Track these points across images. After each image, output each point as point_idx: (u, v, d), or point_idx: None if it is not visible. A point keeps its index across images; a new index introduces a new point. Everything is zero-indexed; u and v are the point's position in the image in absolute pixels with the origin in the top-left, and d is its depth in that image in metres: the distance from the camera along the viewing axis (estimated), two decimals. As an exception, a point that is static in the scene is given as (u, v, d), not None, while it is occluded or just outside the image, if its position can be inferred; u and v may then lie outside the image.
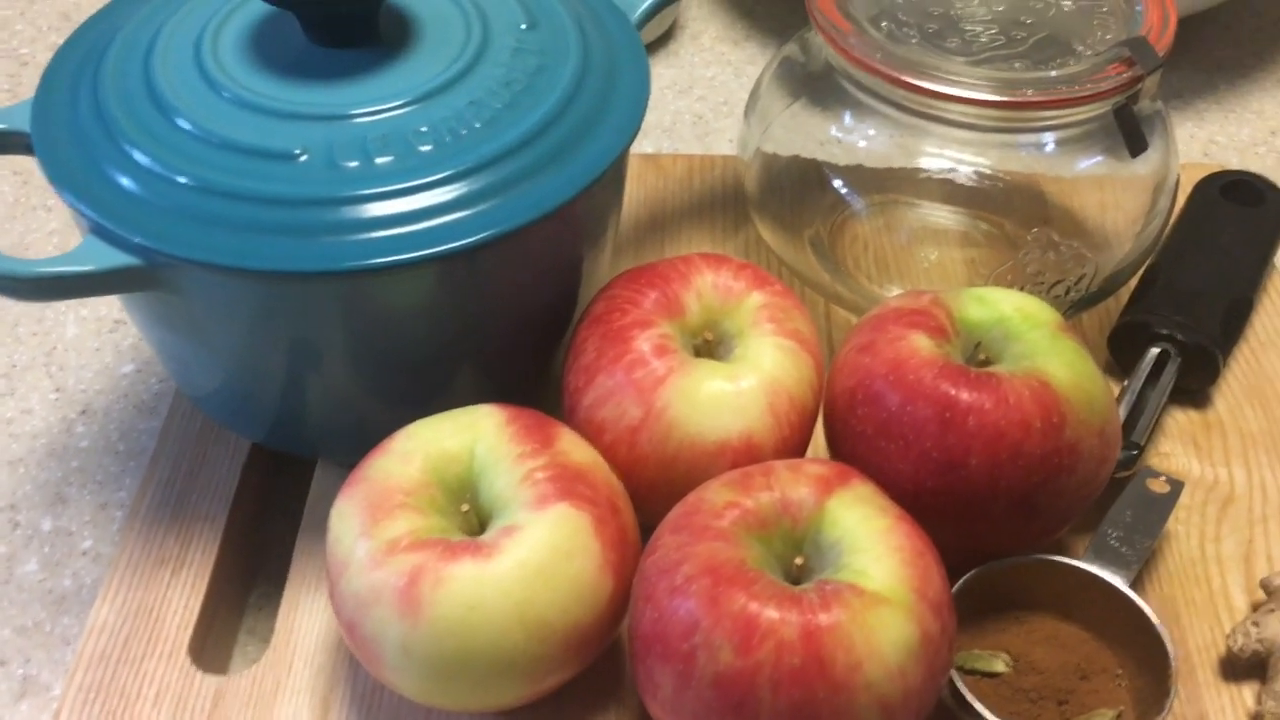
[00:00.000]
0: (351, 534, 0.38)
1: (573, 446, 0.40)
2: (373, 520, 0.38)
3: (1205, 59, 0.76)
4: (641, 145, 0.70)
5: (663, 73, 0.76)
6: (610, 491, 0.39)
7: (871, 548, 0.36)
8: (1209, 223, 0.55)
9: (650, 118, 0.72)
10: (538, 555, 0.36)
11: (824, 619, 0.34)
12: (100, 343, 0.58)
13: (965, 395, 0.40)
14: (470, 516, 0.39)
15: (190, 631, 0.44)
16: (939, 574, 0.37)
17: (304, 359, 0.43)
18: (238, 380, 0.45)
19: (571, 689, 0.41)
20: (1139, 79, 0.45)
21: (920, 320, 0.42)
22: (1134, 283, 0.54)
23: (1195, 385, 0.51)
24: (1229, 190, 0.57)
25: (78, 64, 0.45)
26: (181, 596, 0.45)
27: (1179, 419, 0.51)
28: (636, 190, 0.62)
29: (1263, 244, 0.55)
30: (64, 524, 0.51)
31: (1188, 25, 0.76)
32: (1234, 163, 0.68)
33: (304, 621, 0.44)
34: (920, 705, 0.35)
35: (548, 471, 0.38)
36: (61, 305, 0.60)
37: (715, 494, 0.38)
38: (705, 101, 0.73)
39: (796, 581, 0.37)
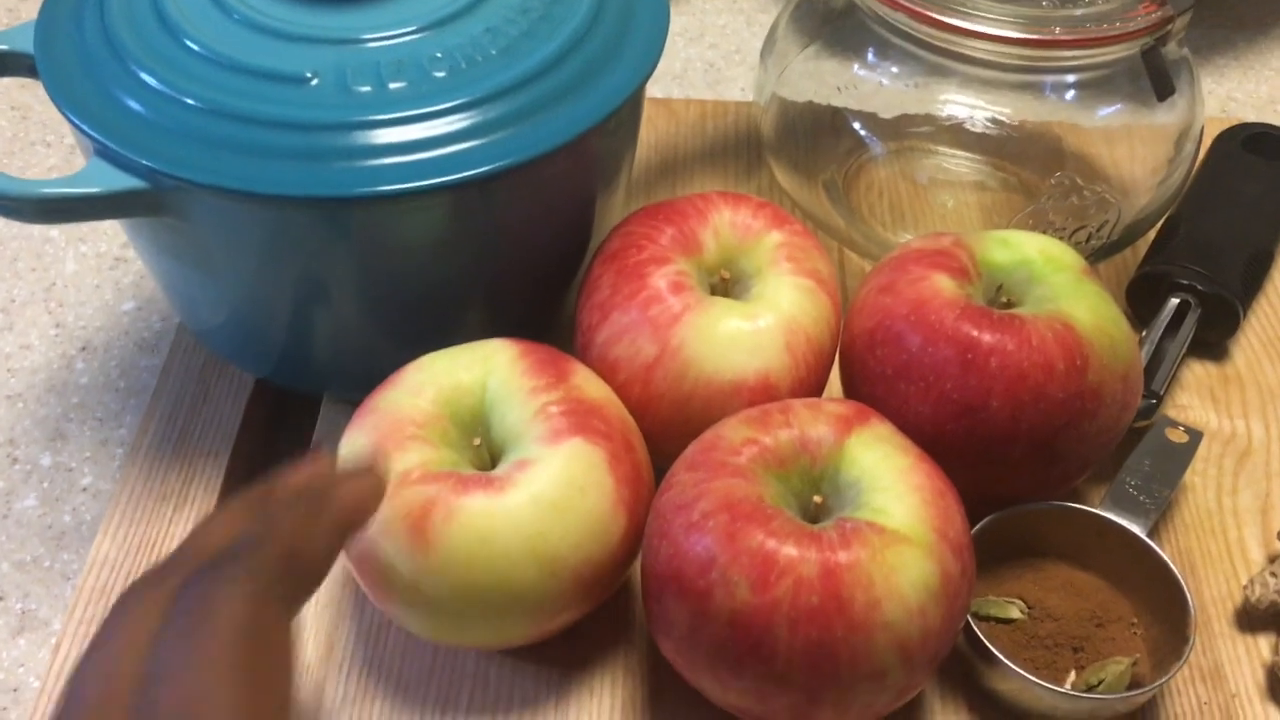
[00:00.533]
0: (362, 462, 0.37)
1: (586, 382, 0.39)
2: (382, 452, 0.37)
3: (1225, 15, 0.74)
4: (652, 91, 0.68)
5: (674, 20, 0.74)
6: (624, 428, 0.38)
7: (892, 486, 0.35)
8: (1230, 175, 0.54)
9: (661, 65, 0.70)
10: (551, 489, 0.36)
11: (843, 557, 0.33)
12: (100, 279, 0.57)
13: (987, 336, 0.39)
14: (482, 450, 0.38)
15: (193, 566, 0.43)
16: (960, 514, 0.36)
17: (311, 291, 0.42)
18: (244, 313, 0.44)
19: (581, 629, 0.41)
20: (1169, 19, 0.44)
21: (942, 261, 0.41)
22: (1152, 235, 0.53)
23: (1214, 337, 0.51)
24: (1251, 143, 0.56)
25: (81, -13, 0.44)
26: (182, 531, 0.44)
27: (1197, 371, 0.51)
28: (648, 134, 0.61)
29: (1284, 197, 0.54)
30: (64, 460, 0.50)
31: (1207, -19, 0.75)
32: (1252, 118, 0.67)
33: (309, 558, 0.43)
34: (939, 646, 0.35)
35: (562, 406, 0.37)
36: (61, 241, 0.59)
37: (733, 431, 0.37)
38: (717, 49, 0.72)
39: (815, 520, 0.36)
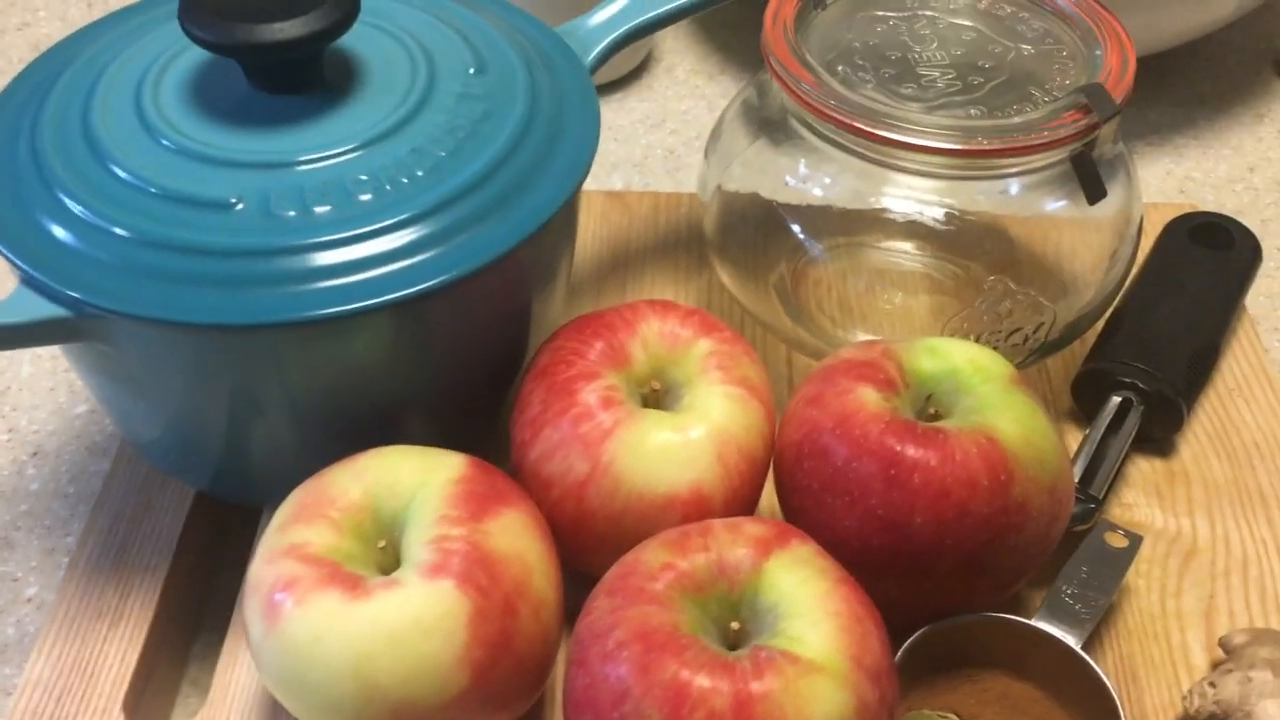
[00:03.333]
0: (276, 522, 0.39)
1: (503, 531, 0.38)
2: (293, 519, 0.38)
3: (1185, 94, 0.75)
4: (611, 179, 0.69)
5: (635, 106, 0.75)
6: (515, 590, 0.37)
7: (808, 613, 0.35)
8: (1177, 266, 0.54)
9: (621, 151, 0.71)
10: (396, 619, 0.35)
11: (756, 688, 0.33)
12: (55, 382, 0.58)
13: (911, 451, 0.39)
14: (386, 554, 0.38)
15: (126, 687, 0.43)
16: (879, 640, 0.36)
17: (242, 409, 0.43)
18: (178, 430, 0.44)
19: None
20: (1095, 126, 0.44)
21: (869, 372, 0.41)
22: (1101, 327, 0.53)
23: (1160, 434, 0.51)
24: (1198, 233, 0.56)
25: (20, 105, 0.44)
26: (118, 650, 0.44)
27: (1143, 468, 0.50)
28: (600, 228, 0.61)
29: (1231, 288, 0.54)
30: (9, 569, 0.50)
31: (1167, 60, 0.76)
32: (1210, 199, 0.67)
33: (243, 676, 0.43)
34: (857, 775, 0.34)
35: (456, 544, 0.37)
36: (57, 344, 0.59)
37: (651, 555, 0.37)
38: (677, 135, 0.73)
39: (734, 646, 0.36)
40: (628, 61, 0.76)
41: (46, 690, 0.43)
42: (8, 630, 0.48)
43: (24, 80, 0.46)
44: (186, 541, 0.48)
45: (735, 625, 0.36)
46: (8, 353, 0.59)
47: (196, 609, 0.49)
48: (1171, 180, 0.69)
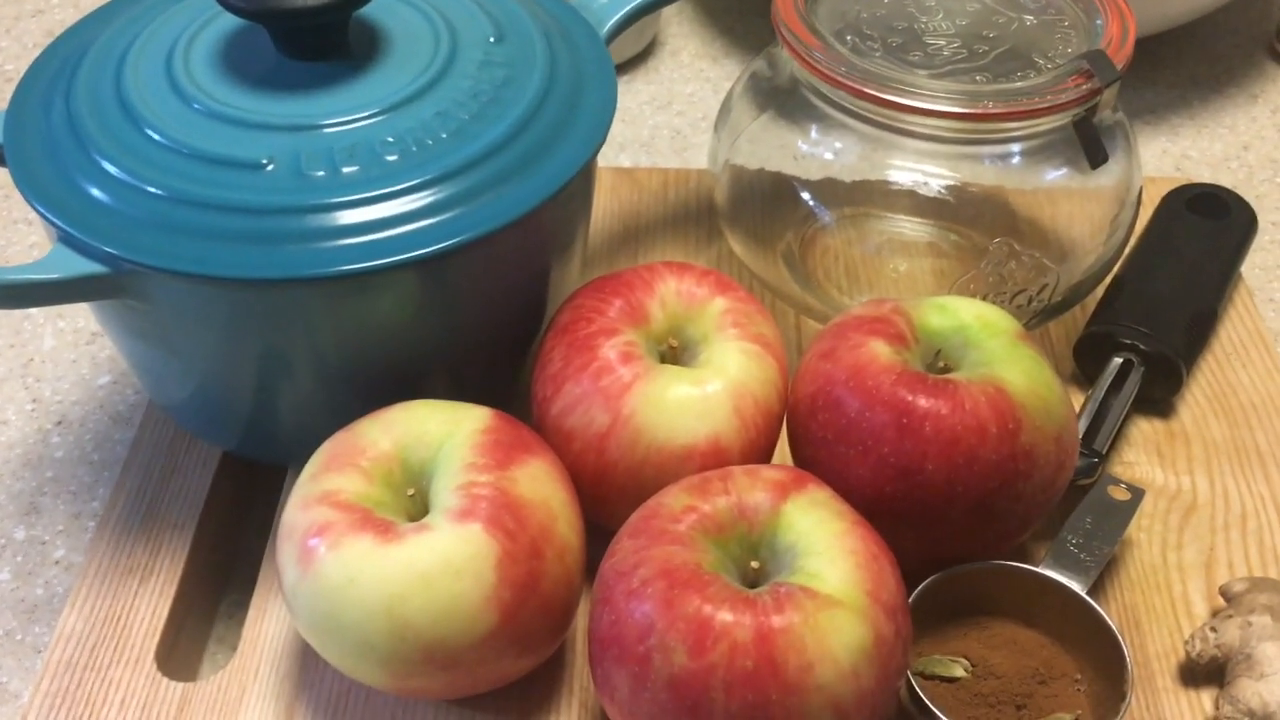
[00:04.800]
0: (308, 472, 0.40)
1: (528, 478, 0.39)
2: (325, 468, 0.39)
3: (1180, 75, 0.76)
4: (619, 159, 0.70)
5: (641, 88, 0.76)
6: (541, 534, 0.38)
7: (826, 551, 0.36)
8: (1175, 235, 0.56)
9: (628, 132, 0.73)
10: (427, 560, 0.37)
11: (777, 621, 0.34)
12: (77, 354, 0.59)
13: (922, 401, 0.40)
14: (415, 502, 0.39)
15: (157, 639, 0.44)
16: (894, 577, 0.37)
17: (272, 367, 0.44)
18: (207, 389, 0.45)
19: (537, 685, 0.42)
20: (1097, 91, 0.45)
21: (880, 328, 0.42)
22: (1101, 293, 0.54)
23: (1160, 395, 0.52)
24: (1195, 203, 0.57)
25: (51, 76, 0.46)
26: (149, 604, 0.45)
27: (1144, 428, 0.52)
28: (611, 203, 0.63)
29: (1227, 256, 0.55)
30: (37, 533, 0.51)
31: (1164, 41, 0.77)
32: (1206, 177, 0.69)
33: (271, 628, 0.44)
34: (875, 706, 0.35)
35: (484, 490, 0.38)
36: (39, 317, 0.60)
37: (674, 499, 0.38)
38: (684, 117, 0.74)
39: (754, 585, 0.37)
40: (634, 45, 0.78)
41: (80, 642, 0.44)
42: (37, 590, 0.49)
43: (53, 53, 0.47)
44: (213, 501, 0.49)
45: (755, 564, 0.37)
46: (30, 326, 0.60)
47: (225, 569, 0.50)
48: (1168, 158, 0.71)
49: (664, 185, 0.64)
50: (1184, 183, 0.60)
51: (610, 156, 0.70)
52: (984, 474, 0.40)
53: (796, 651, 0.34)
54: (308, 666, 0.43)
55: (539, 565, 0.38)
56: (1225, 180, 0.69)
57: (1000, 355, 0.42)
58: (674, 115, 0.74)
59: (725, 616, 0.34)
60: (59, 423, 0.56)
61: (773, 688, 0.34)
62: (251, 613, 0.45)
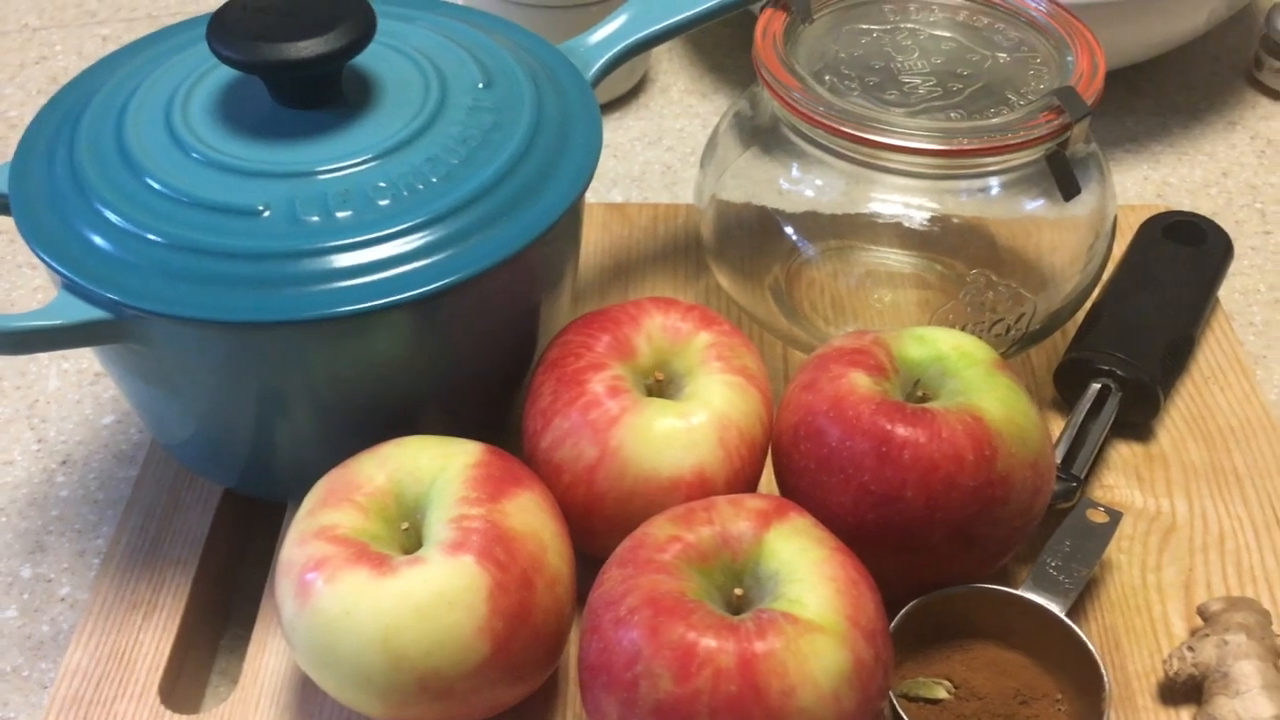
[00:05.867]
0: (305, 508, 0.41)
1: (519, 510, 0.40)
2: (322, 504, 0.41)
3: (1160, 103, 0.78)
4: (611, 194, 0.72)
5: (632, 124, 0.78)
6: (531, 565, 0.39)
7: (807, 577, 0.37)
8: (1152, 262, 0.57)
9: (620, 168, 0.74)
10: (422, 592, 0.38)
11: (759, 647, 0.35)
12: (81, 395, 0.60)
13: (901, 430, 0.41)
14: (409, 535, 0.41)
15: (161, 673, 0.45)
16: (873, 602, 0.38)
17: (270, 406, 0.45)
18: (207, 428, 0.47)
19: (530, 714, 0.43)
20: (1068, 126, 0.47)
21: (860, 359, 0.44)
22: (1081, 320, 0.56)
23: (1138, 419, 0.53)
24: (1172, 230, 0.58)
25: (55, 126, 0.47)
26: (153, 639, 0.46)
27: (1123, 452, 0.53)
28: (602, 238, 0.64)
29: (1204, 282, 0.57)
30: (43, 571, 0.52)
31: (1143, 70, 0.79)
32: (1186, 204, 0.70)
33: (271, 661, 0.46)
34: (856, 730, 0.37)
35: (475, 523, 0.39)
36: (44, 359, 0.62)
37: (659, 529, 0.39)
38: (674, 152, 0.75)
39: (738, 612, 0.38)
40: (625, 82, 0.79)
41: (85, 677, 0.45)
42: (43, 628, 0.50)
43: (56, 105, 0.49)
44: (215, 538, 0.50)
45: (739, 591, 0.38)
46: (35, 368, 0.61)
47: (225, 603, 0.51)
48: (1149, 185, 0.72)
49: (654, 220, 0.65)
50: (1161, 210, 0.61)
51: (602, 192, 0.72)
52: (962, 500, 0.41)
53: (779, 676, 0.35)
54: (306, 698, 0.44)
55: (530, 596, 0.39)
56: (1205, 206, 0.70)
57: (977, 384, 0.43)
58: (664, 151, 0.76)
59: (709, 643, 0.35)
60: (64, 462, 0.57)
61: (756, 712, 0.35)
62: (252, 647, 0.46)
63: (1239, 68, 0.81)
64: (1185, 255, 0.57)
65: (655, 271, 0.62)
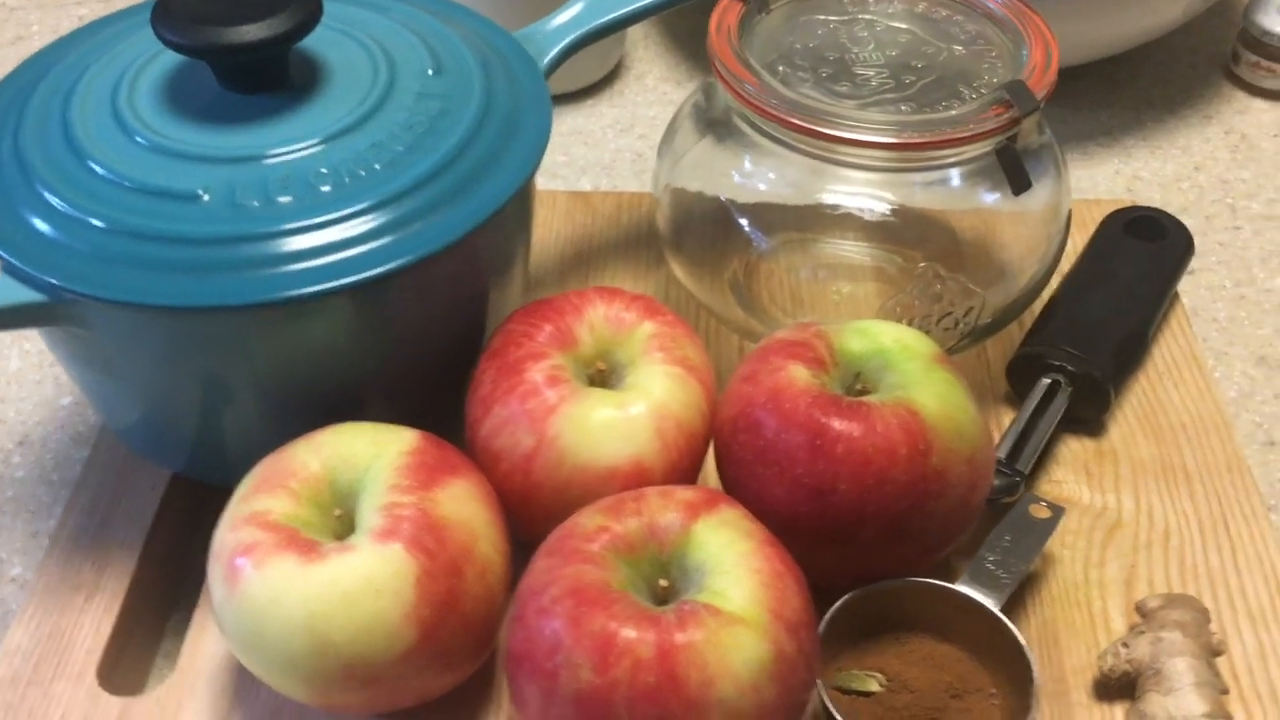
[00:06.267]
0: (239, 493, 0.41)
1: (451, 499, 0.40)
2: (255, 489, 0.41)
3: (1136, 97, 0.78)
4: (580, 182, 0.72)
5: (606, 111, 0.78)
6: (462, 553, 0.40)
7: (731, 570, 0.37)
8: (1111, 257, 0.57)
9: (590, 155, 0.74)
10: (348, 580, 0.38)
11: (679, 638, 0.35)
12: (42, 375, 0.60)
13: (835, 423, 0.41)
14: (342, 522, 0.41)
15: (100, 655, 0.45)
16: (799, 595, 0.38)
17: (212, 391, 0.45)
18: (151, 412, 0.47)
19: (467, 698, 0.43)
20: (1017, 120, 0.47)
21: (800, 351, 0.44)
22: (1038, 314, 0.56)
23: (1089, 415, 0.53)
24: (1133, 226, 0.58)
25: (4, 107, 0.47)
26: (93, 621, 0.46)
27: (1073, 447, 0.53)
28: (565, 226, 0.64)
29: (1162, 278, 0.57)
30: (-5, 551, 0.52)
31: (1120, 63, 0.78)
32: (1156, 198, 0.70)
33: (210, 644, 0.46)
34: (778, 722, 0.37)
35: (406, 511, 0.39)
36: (6, 339, 0.62)
37: (588, 519, 0.39)
38: (645, 140, 0.75)
39: (663, 603, 0.38)
40: (599, 69, 0.79)
41: (25, 657, 0.45)
42: (-8, 607, 0.50)
43: (8, 84, 0.49)
44: (162, 521, 0.50)
45: (664, 583, 0.38)
46: (-3, 348, 0.62)
47: (172, 586, 0.51)
48: (1120, 179, 0.72)
49: (617, 209, 0.65)
50: (1124, 205, 0.61)
51: (571, 179, 0.72)
52: (895, 495, 0.41)
53: (698, 668, 0.35)
54: (244, 681, 0.45)
55: (459, 584, 0.39)
56: (1175, 201, 0.70)
57: (916, 378, 0.43)
58: (636, 139, 0.75)
59: (629, 633, 0.36)
60: (21, 443, 0.57)
61: (674, 703, 0.35)
62: (192, 629, 0.46)
63: (1217, 61, 0.80)
64: (1145, 251, 0.57)
65: (616, 261, 0.62)
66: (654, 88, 0.80)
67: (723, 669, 0.35)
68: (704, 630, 0.36)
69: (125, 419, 0.48)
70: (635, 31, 0.84)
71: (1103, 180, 0.72)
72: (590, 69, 0.78)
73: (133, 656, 0.48)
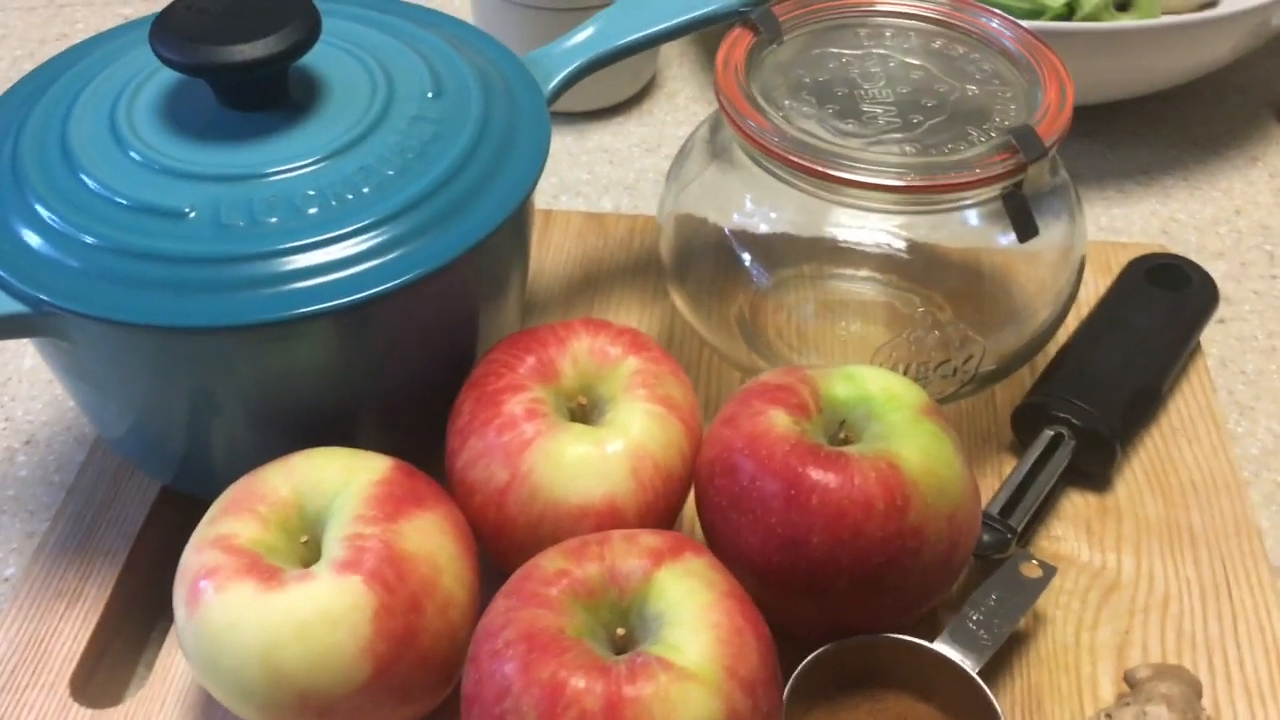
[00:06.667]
0: (208, 515, 0.41)
1: (416, 532, 0.40)
2: (224, 511, 0.41)
3: (1179, 135, 0.75)
4: (601, 202, 0.71)
5: (634, 130, 0.77)
6: (423, 589, 0.39)
7: (690, 622, 0.37)
8: (1129, 305, 0.55)
9: (614, 174, 0.73)
10: (304, 610, 0.38)
11: (628, 691, 0.35)
12: (53, 375, 0.61)
13: (811, 473, 0.40)
14: (309, 549, 0.41)
15: (75, 664, 0.46)
16: (758, 652, 0.37)
17: (196, 408, 0.45)
18: (138, 425, 0.47)
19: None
20: (1023, 168, 0.45)
21: (782, 396, 0.43)
22: (1049, 361, 0.54)
23: (1095, 469, 0.51)
24: (1155, 273, 0.57)
25: (10, 114, 0.48)
26: (71, 629, 0.47)
27: (1076, 502, 0.51)
28: (575, 248, 0.64)
29: (1182, 330, 0.55)
30: (-9, 550, 0.53)
31: (1167, 99, 0.76)
32: (1192, 241, 0.68)
33: (182, 660, 0.46)
34: (729, 781, 0.36)
35: (368, 543, 0.39)
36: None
37: (549, 561, 0.39)
38: (671, 160, 0.74)
39: (621, 651, 0.37)
40: (630, 86, 0.78)
41: (2, 663, 0.46)
42: (-17, 606, 0.51)
43: (19, 88, 0.49)
44: (150, 531, 0.50)
45: (621, 631, 0.37)
46: (13, 345, 0.62)
47: (157, 597, 0.51)
48: (1155, 220, 0.70)
49: (630, 233, 0.64)
50: (1150, 250, 0.59)
51: (593, 198, 0.71)
52: (869, 549, 0.40)
53: (644, 723, 0.34)
54: (210, 700, 0.45)
55: (418, 619, 0.39)
56: (1212, 245, 0.68)
57: (900, 430, 0.42)
58: (662, 159, 0.75)
59: (578, 683, 0.35)
60: (27, 442, 0.58)
61: (619, 757, 0.34)
62: (168, 642, 0.47)
63: (1267, 100, 0.78)
64: (1165, 300, 0.55)
65: (624, 287, 0.61)
66: (684, 107, 0.79)
67: (670, 726, 0.34)
68: (654, 684, 0.35)
69: (112, 429, 0.49)
70: (670, 49, 0.83)
71: (1137, 220, 0.70)
72: (621, 86, 0.78)
73: (111, 666, 0.48)
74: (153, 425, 0.47)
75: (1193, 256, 0.63)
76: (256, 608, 0.38)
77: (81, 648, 0.46)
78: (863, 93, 0.50)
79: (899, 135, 0.48)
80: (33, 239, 0.42)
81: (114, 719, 0.44)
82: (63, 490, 0.55)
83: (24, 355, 0.62)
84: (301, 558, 0.40)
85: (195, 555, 0.40)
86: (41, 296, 0.41)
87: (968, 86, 0.50)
